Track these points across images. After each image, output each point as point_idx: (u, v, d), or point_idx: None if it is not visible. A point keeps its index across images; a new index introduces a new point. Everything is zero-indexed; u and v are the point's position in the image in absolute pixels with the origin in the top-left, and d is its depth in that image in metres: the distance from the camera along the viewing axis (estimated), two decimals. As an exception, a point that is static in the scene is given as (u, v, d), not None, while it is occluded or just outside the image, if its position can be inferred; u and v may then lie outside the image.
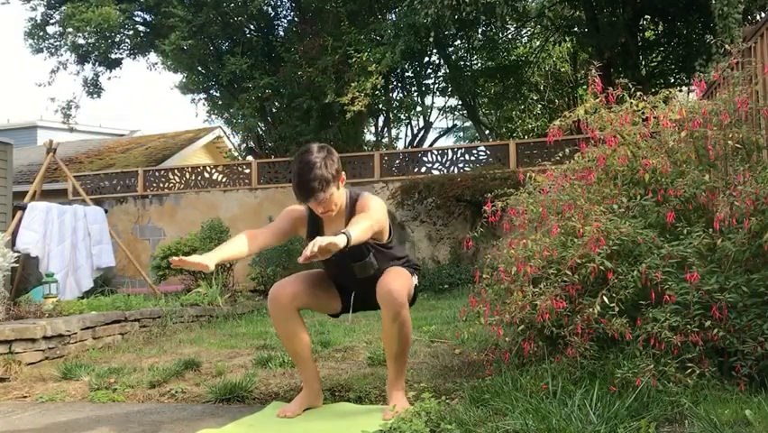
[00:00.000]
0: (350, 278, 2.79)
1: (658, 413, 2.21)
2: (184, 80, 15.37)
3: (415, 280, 2.85)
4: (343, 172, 2.66)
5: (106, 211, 8.21)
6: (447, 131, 20.68)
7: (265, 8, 14.26)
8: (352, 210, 2.70)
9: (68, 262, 7.27)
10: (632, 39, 12.36)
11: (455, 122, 20.62)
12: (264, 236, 2.70)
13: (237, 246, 2.58)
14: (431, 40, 12.11)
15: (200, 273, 8.11)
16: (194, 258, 2.36)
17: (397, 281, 2.62)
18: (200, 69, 14.71)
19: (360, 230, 2.43)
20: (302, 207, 2.79)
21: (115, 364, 3.93)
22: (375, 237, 2.68)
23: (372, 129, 17.31)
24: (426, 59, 15.42)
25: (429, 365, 3.46)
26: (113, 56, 15.30)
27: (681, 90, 12.92)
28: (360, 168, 11.03)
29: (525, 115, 18.49)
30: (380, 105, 14.99)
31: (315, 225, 2.76)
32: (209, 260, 2.40)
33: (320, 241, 2.26)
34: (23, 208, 7.10)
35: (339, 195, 2.64)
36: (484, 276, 3.18)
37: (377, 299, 2.60)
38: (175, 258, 2.34)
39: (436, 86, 16.81)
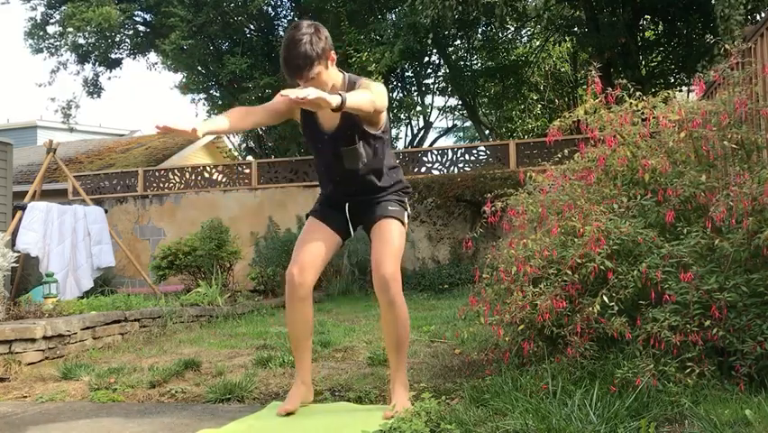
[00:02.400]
0: (339, 170, 2.72)
1: (658, 413, 2.21)
2: (184, 80, 15.38)
3: (406, 218, 2.80)
4: (334, 51, 2.56)
5: (106, 211, 8.21)
6: (447, 131, 20.73)
7: (265, 8, 14.28)
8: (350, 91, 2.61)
9: (68, 262, 7.28)
10: (632, 39, 12.35)
11: (455, 122, 20.65)
12: (259, 114, 2.64)
13: (230, 119, 2.49)
14: (431, 40, 12.11)
15: (200, 273, 8.11)
16: (180, 124, 2.27)
17: (389, 259, 2.61)
18: (200, 68, 14.72)
19: (357, 97, 2.34)
20: None
21: (115, 364, 3.92)
22: (370, 121, 2.62)
23: (372, 129, 17.30)
24: (426, 59, 15.43)
25: (429, 365, 3.46)
26: (113, 56, 15.33)
27: (680, 90, 12.92)
28: (360, 168, 11.02)
29: (525, 115, 18.48)
30: (380, 105, 14.98)
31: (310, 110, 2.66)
32: (197, 126, 2.31)
33: (313, 92, 2.19)
34: (23, 208, 7.10)
35: (329, 75, 2.55)
36: (484, 276, 3.19)
37: (373, 283, 2.63)
38: (160, 123, 2.23)
39: (436, 86, 16.84)
